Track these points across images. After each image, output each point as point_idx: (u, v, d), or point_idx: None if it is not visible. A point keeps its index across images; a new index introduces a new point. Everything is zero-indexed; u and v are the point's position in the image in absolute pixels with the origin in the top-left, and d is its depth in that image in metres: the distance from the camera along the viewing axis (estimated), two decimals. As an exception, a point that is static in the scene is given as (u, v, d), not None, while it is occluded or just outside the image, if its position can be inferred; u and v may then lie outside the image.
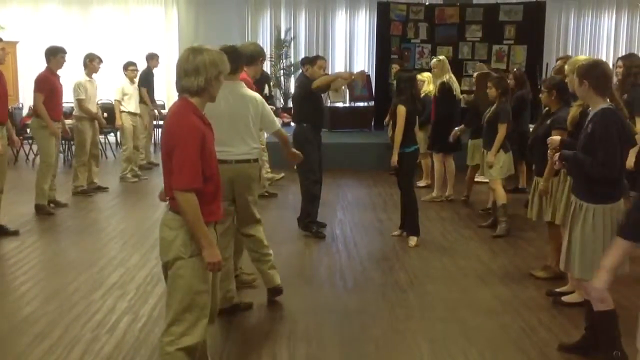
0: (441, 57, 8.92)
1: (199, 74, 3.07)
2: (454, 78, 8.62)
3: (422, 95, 8.74)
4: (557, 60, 8.81)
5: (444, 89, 8.41)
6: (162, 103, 13.20)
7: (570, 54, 13.41)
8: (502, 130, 6.84)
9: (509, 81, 7.82)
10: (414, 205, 6.65)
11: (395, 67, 10.19)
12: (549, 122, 5.25)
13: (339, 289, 5.40)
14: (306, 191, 6.91)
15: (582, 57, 5.30)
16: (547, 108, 5.51)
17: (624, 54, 13.63)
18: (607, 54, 14.74)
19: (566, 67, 5.41)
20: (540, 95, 5.58)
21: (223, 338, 4.20)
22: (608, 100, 3.87)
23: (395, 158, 6.43)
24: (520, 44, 12.97)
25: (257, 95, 4.75)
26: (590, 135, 3.82)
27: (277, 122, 5.27)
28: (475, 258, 6.22)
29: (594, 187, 3.88)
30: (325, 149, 7.22)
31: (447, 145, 8.37)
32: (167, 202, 3.19)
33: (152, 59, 11.10)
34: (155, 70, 11.18)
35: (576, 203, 4.02)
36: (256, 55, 5.25)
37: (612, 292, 3.87)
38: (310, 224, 6.95)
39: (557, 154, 4.09)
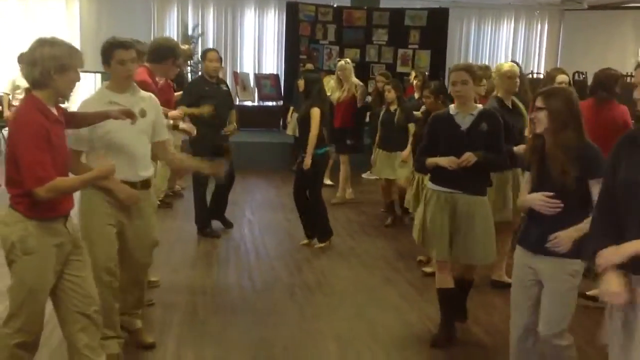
0: (345, 60, 8.93)
1: (35, 65, 2.97)
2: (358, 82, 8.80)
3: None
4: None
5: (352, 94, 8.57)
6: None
7: (470, 60, 14.03)
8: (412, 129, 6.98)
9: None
10: (323, 208, 6.57)
11: (310, 67, 10.12)
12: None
13: (247, 290, 5.38)
14: (195, 195, 6.81)
15: (507, 64, 5.55)
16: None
17: (520, 60, 14.45)
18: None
19: (493, 72, 5.68)
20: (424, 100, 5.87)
21: (124, 339, 4.03)
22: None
23: (308, 161, 6.26)
24: (424, 49, 13.30)
25: None
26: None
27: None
28: (382, 258, 6.34)
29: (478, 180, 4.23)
30: (233, 148, 7.10)
31: (349, 146, 8.66)
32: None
33: None
34: None
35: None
36: (163, 52, 4.75)
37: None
38: (204, 227, 6.81)
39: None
